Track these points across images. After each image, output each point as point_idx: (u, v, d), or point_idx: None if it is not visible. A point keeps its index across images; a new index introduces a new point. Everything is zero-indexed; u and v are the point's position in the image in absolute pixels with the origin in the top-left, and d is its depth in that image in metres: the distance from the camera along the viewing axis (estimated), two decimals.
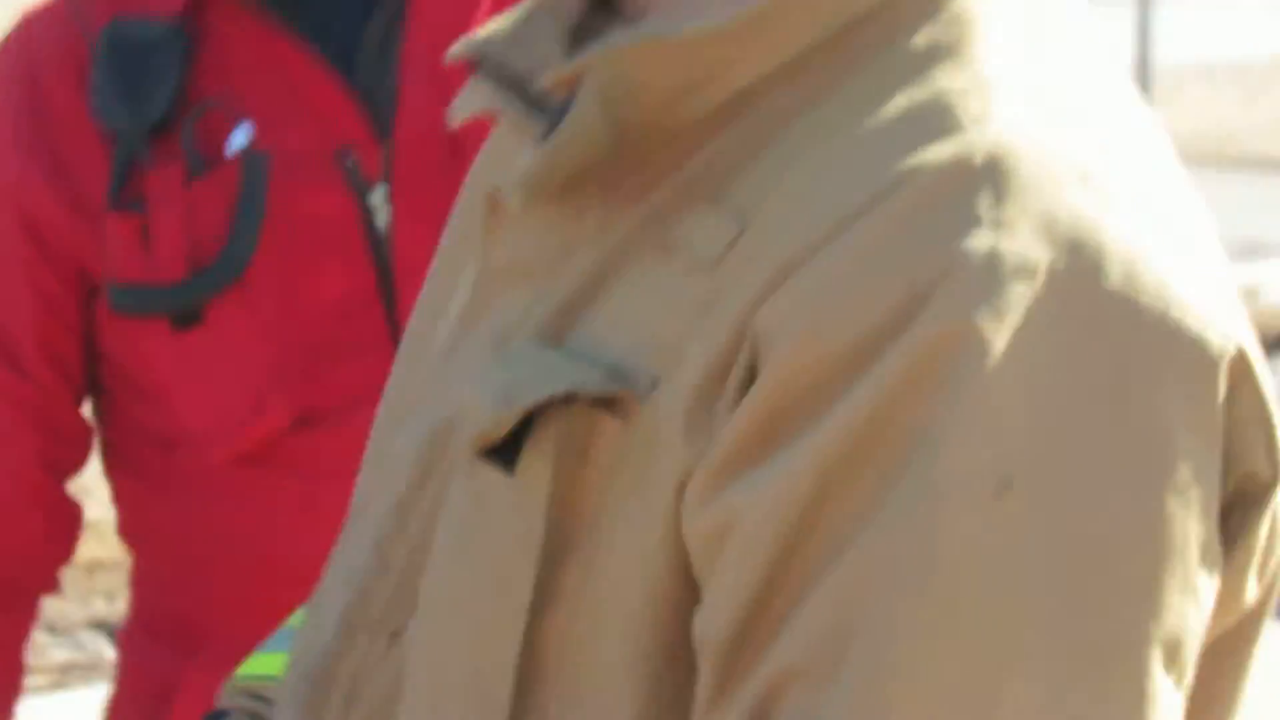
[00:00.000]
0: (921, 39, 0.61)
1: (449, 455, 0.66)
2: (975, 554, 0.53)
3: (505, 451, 0.61)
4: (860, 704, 0.52)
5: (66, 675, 3.15)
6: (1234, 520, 0.58)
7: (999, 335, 0.54)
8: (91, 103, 1.18)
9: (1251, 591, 0.61)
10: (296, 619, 0.82)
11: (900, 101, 0.59)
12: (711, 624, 0.56)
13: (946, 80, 0.59)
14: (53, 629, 3.40)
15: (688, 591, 0.58)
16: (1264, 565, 0.61)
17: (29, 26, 1.22)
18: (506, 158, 0.70)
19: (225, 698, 0.86)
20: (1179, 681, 0.56)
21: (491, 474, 0.62)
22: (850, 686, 0.53)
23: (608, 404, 0.59)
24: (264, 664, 0.85)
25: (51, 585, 1.28)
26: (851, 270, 0.56)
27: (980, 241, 0.55)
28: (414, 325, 0.78)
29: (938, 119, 0.58)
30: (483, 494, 0.63)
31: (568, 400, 0.59)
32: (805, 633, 0.54)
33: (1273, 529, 0.60)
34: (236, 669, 0.87)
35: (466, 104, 0.71)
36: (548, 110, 0.65)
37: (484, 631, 0.63)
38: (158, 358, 1.18)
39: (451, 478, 0.66)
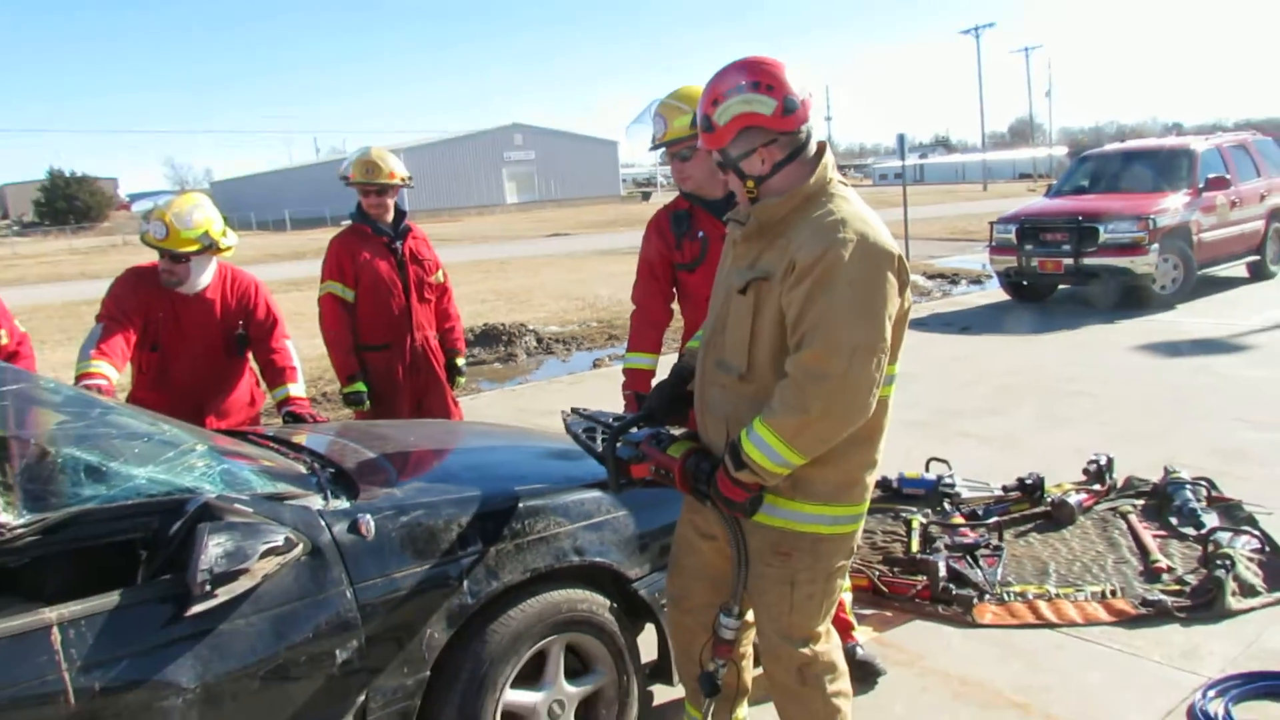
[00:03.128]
0: (823, 199, 2.94)
1: (732, 295, 3.02)
2: (846, 301, 2.82)
3: (744, 291, 2.98)
4: (820, 337, 2.82)
5: None
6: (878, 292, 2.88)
7: (847, 255, 2.82)
8: (670, 228, 4.49)
9: (906, 304, 2.94)
10: (700, 330, 3.18)
11: (822, 212, 2.91)
12: (788, 324, 2.89)
13: (833, 206, 2.91)
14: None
15: (783, 315, 2.90)
16: (906, 299, 2.93)
17: (657, 214, 4.56)
18: (734, 232, 3.06)
19: (683, 353, 3.23)
20: (889, 325, 2.86)
21: (740, 296, 3.00)
22: (817, 334, 2.83)
23: (764, 279, 2.93)
24: (693, 343, 3.30)
25: (665, 328, 4.56)
26: (812, 245, 2.85)
27: (840, 235, 2.85)
28: (718, 273, 3.16)
29: (832, 214, 2.90)
30: (739, 302, 3.01)
31: (755, 279, 2.95)
32: (808, 324, 2.85)
33: (907, 293, 2.92)
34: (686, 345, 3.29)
35: (728, 226, 3.11)
36: (745, 221, 3.00)
37: (741, 326, 3.01)
38: (685, 281, 4.49)
39: (731, 301, 3.03)
